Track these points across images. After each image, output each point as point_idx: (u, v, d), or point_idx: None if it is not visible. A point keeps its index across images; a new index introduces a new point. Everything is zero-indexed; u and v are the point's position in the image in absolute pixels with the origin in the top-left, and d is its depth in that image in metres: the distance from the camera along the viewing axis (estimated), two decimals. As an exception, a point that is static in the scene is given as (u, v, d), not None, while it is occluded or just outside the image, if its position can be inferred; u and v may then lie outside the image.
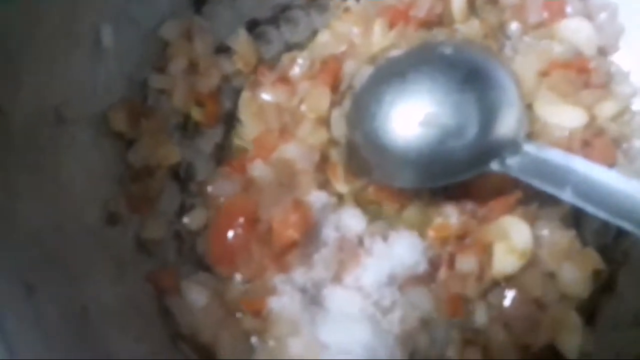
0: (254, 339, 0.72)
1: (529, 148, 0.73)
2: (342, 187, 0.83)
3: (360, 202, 0.83)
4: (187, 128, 0.83)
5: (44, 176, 0.67)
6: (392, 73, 0.78)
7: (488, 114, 0.73)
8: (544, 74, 0.87)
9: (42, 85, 0.68)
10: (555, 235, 0.78)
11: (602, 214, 0.67)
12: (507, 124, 0.74)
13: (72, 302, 0.62)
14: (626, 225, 0.65)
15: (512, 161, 0.73)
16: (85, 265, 0.66)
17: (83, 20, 0.71)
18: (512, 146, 0.73)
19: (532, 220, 0.78)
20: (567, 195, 0.69)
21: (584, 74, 0.87)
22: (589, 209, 0.68)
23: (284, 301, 0.72)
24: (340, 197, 0.83)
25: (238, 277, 0.75)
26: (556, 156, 0.72)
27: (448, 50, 0.76)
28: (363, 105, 0.78)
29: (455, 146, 0.73)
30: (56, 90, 0.69)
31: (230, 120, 0.86)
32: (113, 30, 0.74)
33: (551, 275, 0.77)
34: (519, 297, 0.76)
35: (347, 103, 0.81)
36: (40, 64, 0.68)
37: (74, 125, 0.70)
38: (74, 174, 0.70)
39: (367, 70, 0.81)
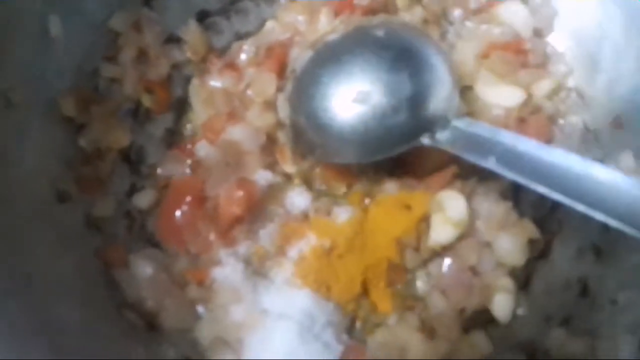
0: (200, 308, 0.76)
1: (457, 123, 0.77)
2: (289, 167, 0.86)
3: (309, 182, 0.87)
4: (139, 114, 0.86)
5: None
6: (328, 56, 0.81)
7: (418, 91, 0.76)
8: (484, 56, 0.90)
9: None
10: (492, 208, 0.82)
11: (521, 180, 0.70)
12: (436, 100, 0.77)
13: (16, 269, 0.65)
14: (544, 191, 0.69)
15: (442, 135, 0.77)
16: (32, 237, 0.69)
17: (29, 11, 0.74)
18: (441, 121, 0.77)
19: (470, 194, 0.82)
20: (491, 164, 0.73)
21: (521, 54, 0.91)
22: (511, 175, 0.71)
23: (226, 271, 0.76)
24: (289, 178, 0.86)
25: (186, 252, 0.79)
26: (482, 129, 0.76)
27: (380, 33, 0.80)
28: (303, 87, 0.82)
29: (387, 122, 0.76)
30: (3, 75, 0.71)
31: (181, 106, 0.90)
32: (61, 21, 0.77)
33: (487, 245, 0.81)
34: (455, 265, 0.80)
35: (288, 86, 0.84)
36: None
37: (23, 110, 0.73)
38: (23, 153, 0.72)
39: (307, 54, 0.84)
